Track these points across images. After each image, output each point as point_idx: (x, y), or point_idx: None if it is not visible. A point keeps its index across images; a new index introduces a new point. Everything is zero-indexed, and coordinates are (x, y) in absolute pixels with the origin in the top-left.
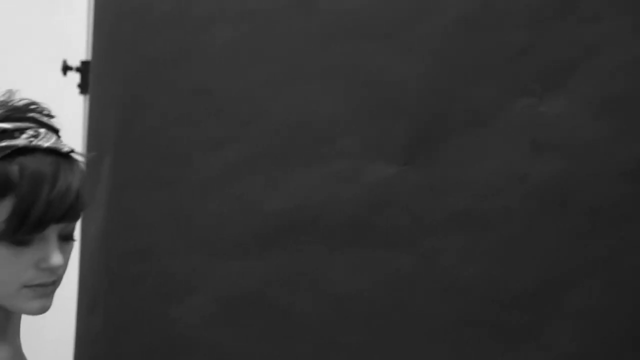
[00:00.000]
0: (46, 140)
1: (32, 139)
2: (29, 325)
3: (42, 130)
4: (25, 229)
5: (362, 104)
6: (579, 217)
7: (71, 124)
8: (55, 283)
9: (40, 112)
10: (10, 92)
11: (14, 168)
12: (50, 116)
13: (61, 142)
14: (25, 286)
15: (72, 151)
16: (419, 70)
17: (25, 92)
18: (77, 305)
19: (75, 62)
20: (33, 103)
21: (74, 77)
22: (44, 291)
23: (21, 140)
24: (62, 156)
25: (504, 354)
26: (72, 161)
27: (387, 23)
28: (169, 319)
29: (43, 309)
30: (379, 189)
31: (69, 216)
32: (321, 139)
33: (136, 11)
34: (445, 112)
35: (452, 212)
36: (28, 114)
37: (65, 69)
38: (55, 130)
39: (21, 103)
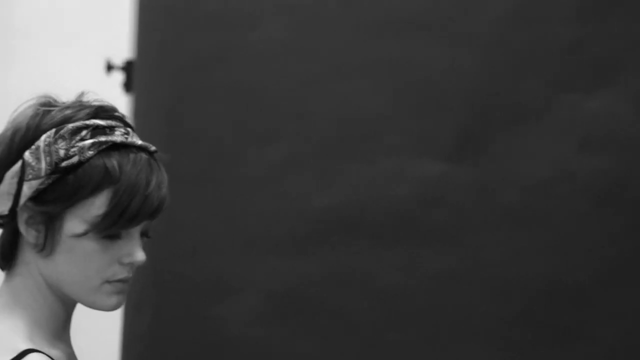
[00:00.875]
0: (137, 139)
1: (126, 136)
2: (76, 324)
3: (130, 130)
4: (121, 224)
5: (409, 100)
6: (628, 213)
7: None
8: (130, 279)
9: (122, 115)
10: (82, 93)
11: (113, 162)
12: (120, 115)
13: (137, 138)
14: (107, 281)
15: (156, 151)
16: (466, 67)
17: (69, 92)
18: (123, 305)
19: (119, 61)
20: (111, 105)
21: (118, 76)
22: (122, 287)
23: (117, 137)
24: (150, 153)
25: (554, 352)
26: (156, 158)
27: (433, 19)
28: (215, 317)
29: (118, 306)
30: (426, 186)
31: (158, 212)
32: (368, 136)
33: (181, 10)
34: (492, 108)
35: (499, 209)
36: (114, 114)
37: (109, 68)
38: (132, 127)
39: (104, 103)
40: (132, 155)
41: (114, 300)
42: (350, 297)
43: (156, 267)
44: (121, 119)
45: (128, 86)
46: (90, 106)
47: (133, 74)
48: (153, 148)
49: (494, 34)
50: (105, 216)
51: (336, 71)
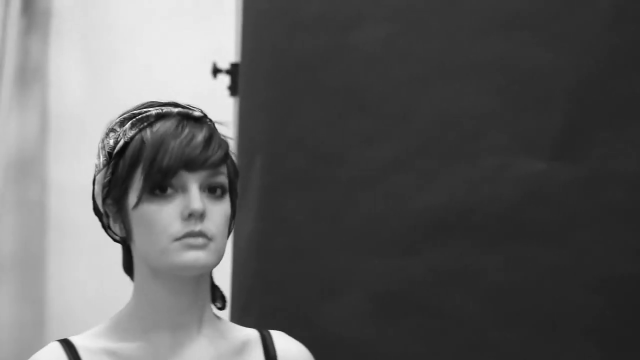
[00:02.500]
0: (178, 109)
1: (163, 109)
2: None
3: (180, 106)
4: (154, 177)
5: (511, 98)
6: None
7: (222, 126)
8: (205, 235)
9: (183, 105)
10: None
11: (147, 132)
12: (195, 108)
13: (194, 109)
14: (175, 240)
15: (205, 116)
16: (568, 63)
17: (177, 95)
18: (230, 305)
19: (225, 65)
20: (176, 102)
21: (224, 80)
22: (193, 242)
23: (154, 111)
24: (192, 119)
25: None
26: (202, 121)
27: (536, 16)
28: (320, 317)
29: (196, 261)
30: (529, 184)
31: (198, 164)
32: (470, 135)
33: (284, 12)
34: (595, 105)
35: (603, 207)
36: (171, 102)
37: (216, 71)
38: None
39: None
40: (160, 123)
41: (190, 255)
42: (453, 297)
43: (261, 269)
44: (176, 104)
45: (233, 89)
46: (149, 101)
47: (238, 77)
48: (196, 113)
49: (598, 30)
50: (143, 175)
51: (439, 71)
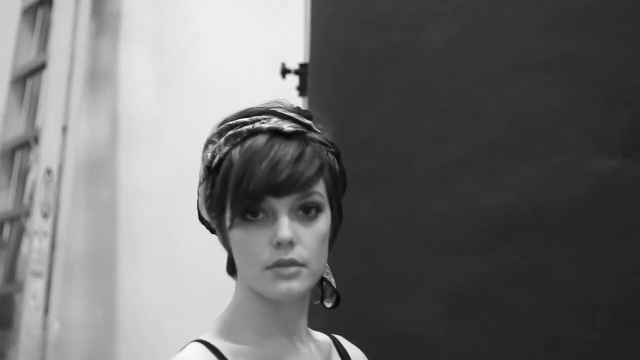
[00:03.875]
0: (269, 124)
1: (255, 124)
2: None
3: (275, 119)
4: (241, 202)
5: (581, 96)
6: None
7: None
8: (296, 263)
9: (283, 107)
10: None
11: (236, 152)
12: (293, 110)
13: (290, 123)
14: (267, 268)
15: (298, 131)
16: (639, 60)
17: (246, 95)
18: None
19: (294, 65)
20: (279, 101)
21: (293, 80)
22: (284, 272)
23: (245, 127)
24: (284, 135)
25: None
26: (295, 139)
27: (604, 12)
28: (391, 317)
29: (289, 292)
30: (600, 181)
31: (284, 190)
32: (540, 132)
33: (352, 12)
34: None
35: None
36: (270, 109)
37: (285, 72)
38: (291, 119)
39: (269, 104)
40: (250, 141)
41: (282, 286)
42: (525, 296)
43: (332, 269)
44: (274, 112)
45: (302, 90)
46: (247, 109)
47: (307, 78)
48: (289, 128)
49: None
50: (231, 200)
51: (507, 69)
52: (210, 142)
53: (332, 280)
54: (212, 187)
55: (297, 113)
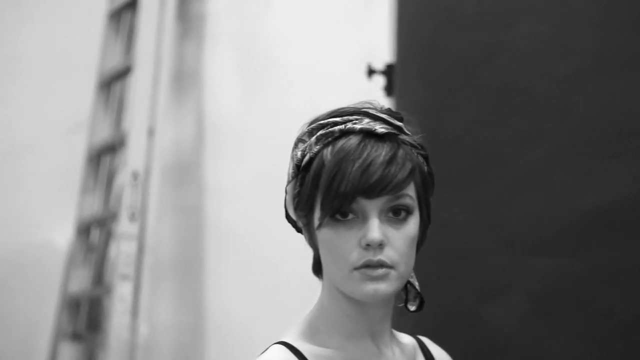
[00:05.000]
0: (361, 124)
1: (347, 124)
2: None
3: (366, 120)
4: (332, 202)
5: None
6: None
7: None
8: (384, 265)
9: (374, 108)
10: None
11: (327, 152)
12: (384, 111)
13: (382, 125)
14: (355, 268)
15: (390, 132)
16: None
17: (332, 96)
18: None
19: (379, 66)
20: (370, 102)
21: (379, 80)
22: (372, 273)
23: (337, 127)
24: (376, 136)
25: None
26: (387, 140)
27: None
28: (484, 317)
29: (376, 292)
30: None
31: (375, 191)
32: (632, 131)
33: (439, 11)
34: None
35: None
36: (361, 109)
37: (370, 72)
38: (382, 120)
39: (359, 104)
40: (342, 141)
41: (369, 287)
42: (619, 296)
43: (420, 269)
44: (366, 112)
45: (389, 90)
46: (338, 108)
47: (394, 77)
48: (381, 130)
49: None
50: (322, 200)
51: (598, 66)
52: (300, 140)
53: (416, 283)
54: (301, 185)
55: (388, 114)
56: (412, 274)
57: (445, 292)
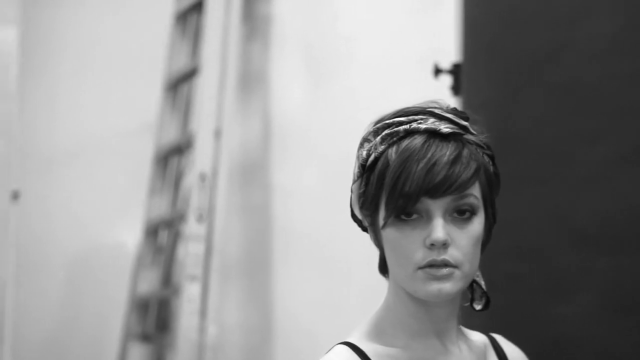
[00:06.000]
0: (426, 124)
1: (412, 124)
2: None
3: (431, 119)
4: (396, 202)
5: None
6: None
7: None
8: (449, 264)
9: (440, 107)
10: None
11: (392, 151)
12: (450, 110)
13: (447, 124)
14: (419, 268)
15: (454, 132)
16: None
17: (398, 96)
18: None
19: (446, 65)
20: (436, 101)
21: (446, 80)
22: (436, 273)
23: (402, 127)
24: (441, 136)
25: None
26: (452, 140)
27: None
28: (554, 317)
29: (440, 292)
30: None
31: (440, 191)
32: None
33: (506, 9)
34: None
35: None
36: (427, 109)
37: (437, 71)
38: (447, 119)
39: (425, 104)
40: (407, 140)
41: (433, 287)
42: None
43: (487, 268)
44: (431, 112)
45: (456, 89)
46: (403, 108)
47: (461, 77)
48: (446, 129)
49: None
50: (386, 199)
51: None
52: (365, 140)
53: (482, 282)
54: (366, 185)
55: (453, 114)
56: (479, 274)
57: (513, 292)
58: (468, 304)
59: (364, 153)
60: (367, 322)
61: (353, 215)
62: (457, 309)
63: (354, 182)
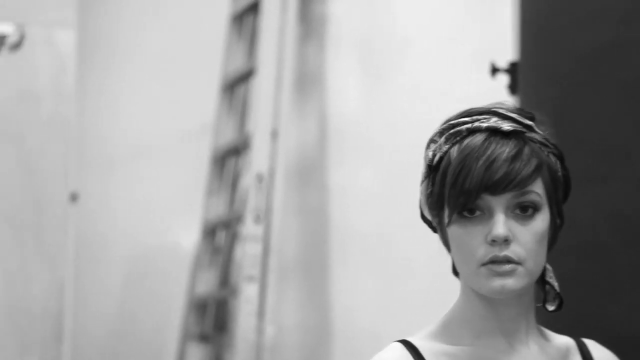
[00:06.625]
0: (488, 123)
1: (475, 123)
2: None
3: (494, 118)
4: (457, 199)
5: None
6: None
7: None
8: (511, 261)
9: (504, 107)
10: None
11: (454, 150)
12: (515, 110)
13: (509, 123)
14: (482, 264)
15: (516, 130)
16: None
17: (455, 95)
18: None
19: (503, 64)
20: (501, 102)
21: (503, 79)
22: (498, 269)
23: (465, 126)
24: (502, 134)
25: None
26: (513, 138)
27: None
28: (610, 317)
29: (503, 288)
30: None
31: (500, 187)
32: None
33: (563, 8)
34: None
35: None
36: (491, 109)
37: (494, 70)
38: (511, 119)
39: (490, 104)
40: (469, 139)
41: (496, 283)
42: None
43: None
44: (495, 112)
45: (513, 88)
46: (469, 108)
47: (518, 76)
48: (507, 128)
49: None
50: (448, 196)
51: None
52: (432, 140)
53: (555, 283)
54: (432, 185)
55: (518, 113)
56: (552, 275)
57: (571, 291)
58: (540, 304)
59: (430, 153)
60: (437, 320)
61: (423, 216)
62: (529, 309)
63: (422, 182)
